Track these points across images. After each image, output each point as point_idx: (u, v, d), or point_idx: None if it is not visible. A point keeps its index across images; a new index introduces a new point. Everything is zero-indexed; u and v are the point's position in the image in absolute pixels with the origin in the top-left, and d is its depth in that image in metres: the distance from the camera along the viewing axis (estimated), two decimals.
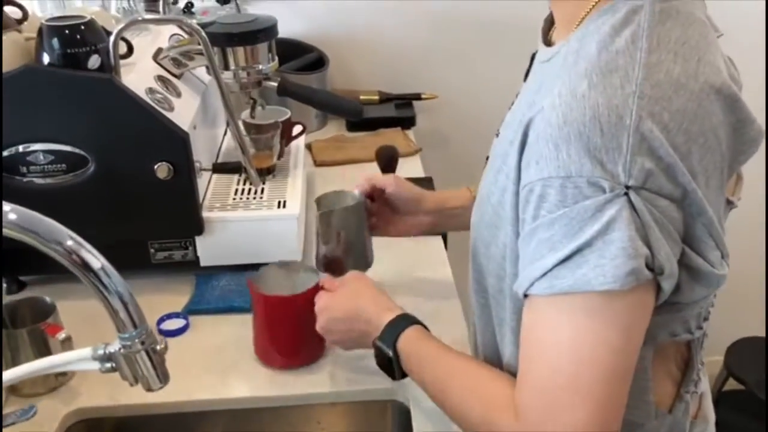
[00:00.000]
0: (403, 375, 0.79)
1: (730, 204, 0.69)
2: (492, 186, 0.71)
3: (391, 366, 0.79)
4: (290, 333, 0.94)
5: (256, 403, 0.93)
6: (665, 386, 0.75)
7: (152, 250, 1.11)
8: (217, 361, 0.98)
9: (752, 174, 0.78)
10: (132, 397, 0.92)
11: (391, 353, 0.78)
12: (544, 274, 0.60)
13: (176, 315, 1.05)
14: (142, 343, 0.60)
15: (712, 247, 0.63)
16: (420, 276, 1.15)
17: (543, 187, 0.60)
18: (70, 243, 0.58)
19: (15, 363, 0.88)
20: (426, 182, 1.46)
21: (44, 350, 0.90)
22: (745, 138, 0.64)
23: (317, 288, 0.93)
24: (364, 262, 1.00)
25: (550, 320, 0.62)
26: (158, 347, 0.62)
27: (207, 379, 0.95)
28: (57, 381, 0.92)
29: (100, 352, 0.62)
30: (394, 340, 0.78)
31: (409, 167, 1.48)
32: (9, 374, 0.65)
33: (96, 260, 0.59)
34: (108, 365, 0.63)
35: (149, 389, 0.63)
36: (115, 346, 0.62)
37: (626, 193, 0.57)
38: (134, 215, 1.08)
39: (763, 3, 1.79)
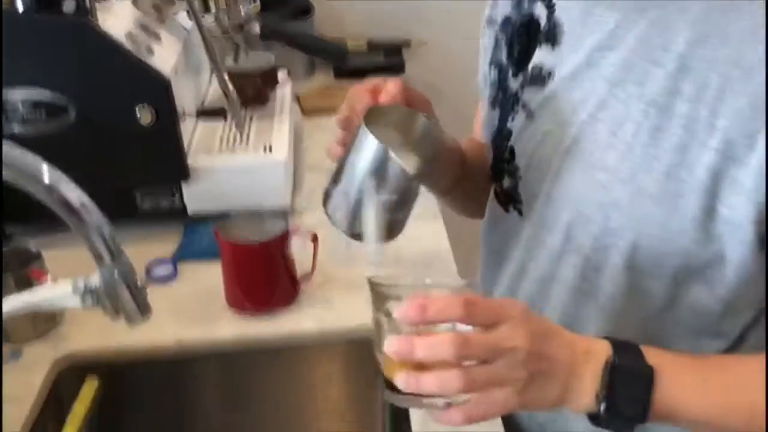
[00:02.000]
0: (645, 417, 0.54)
1: None
2: (649, 149, 0.59)
3: (643, 394, 0.53)
4: (261, 281, 0.93)
5: (246, 345, 0.93)
6: None
7: (139, 199, 1.11)
8: (207, 306, 0.98)
9: None
10: (122, 341, 0.92)
11: (650, 369, 0.54)
12: None
13: (165, 262, 1.05)
14: (122, 275, 0.60)
15: None
16: None
17: None
18: (47, 177, 0.57)
19: None
20: None
21: None
22: None
23: (287, 234, 0.92)
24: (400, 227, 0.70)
25: None
26: (138, 281, 0.61)
27: (197, 324, 0.95)
28: (46, 326, 0.91)
29: (81, 286, 0.62)
30: (642, 355, 0.55)
31: None
32: None
33: (74, 193, 0.58)
34: (89, 300, 0.62)
35: (132, 322, 0.63)
36: (95, 280, 0.61)
37: None
38: (118, 162, 1.06)
39: (763, 3, 1.75)
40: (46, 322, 0.91)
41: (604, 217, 0.62)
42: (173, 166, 1.07)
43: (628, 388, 0.53)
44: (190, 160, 1.09)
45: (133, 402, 0.94)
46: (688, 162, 0.57)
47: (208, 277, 1.02)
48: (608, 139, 0.61)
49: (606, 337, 0.56)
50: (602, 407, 0.53)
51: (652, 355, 0.55)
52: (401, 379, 0.51)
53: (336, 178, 0.66)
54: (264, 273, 0.92)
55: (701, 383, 0.56)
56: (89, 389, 0.88)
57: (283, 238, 0.92)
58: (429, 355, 0.50)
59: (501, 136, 0.75)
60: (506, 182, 0.75)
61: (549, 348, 0.53)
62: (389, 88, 0.67)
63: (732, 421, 0.56)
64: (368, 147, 0.62)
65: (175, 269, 1.03)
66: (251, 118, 1.24)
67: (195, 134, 1.18)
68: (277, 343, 0.93)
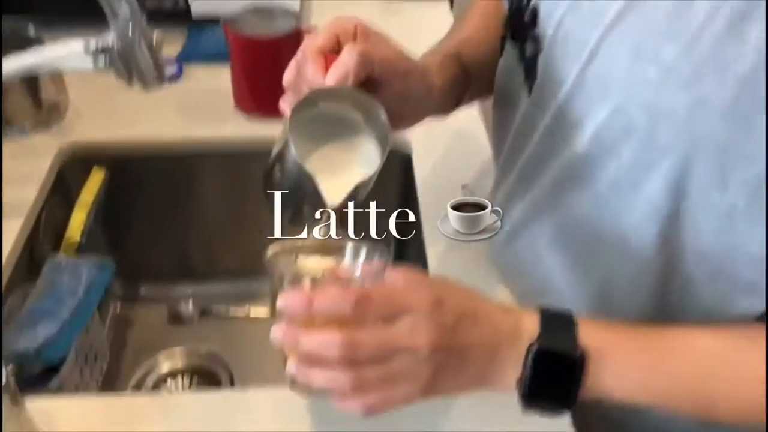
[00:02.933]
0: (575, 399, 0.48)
1: None
2: (726, 46, 0.42)
3: (569, 382, 0.47)
4: (270, 78, 0.90)
5: (251, 145, 0.91)
6: None
7: None
8: (214, 106, 0.95)
9: None
10: (127, 134, 0.90)
11: (578, 354, 0.47)
12: None
13: (169, 62, 1.01)
14: (139, 31, 0.57)
15: None
16: None
17: None
18: None
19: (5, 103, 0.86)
20: None
21: (34, 88, 0.87)
22: None
23: (299, 33, 0.88)
24: None
25: None
26: (154, 41, 0.59)
27: (203, 122, 0.93)
28: (50, 117, 0.89)
29: (93, 45, 0.59)
30: (574, 336, 0.47)
31: None
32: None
33: None
34: (102, 62, 0.60)
35: (146, 87, 0.61)
36: (109, 38, 0.58)
37: None
38: None
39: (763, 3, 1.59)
40: (49, 112, 0.89)
41: (650, 127, 0.46)
42: None
43: (551, 375, 0.47)
44: None
45: (138, 193, 0.94)
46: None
47: (215, 80, 0.99)
48: (669, 23, 0.44)
49: (542, 310, 0.49)
50: (523, 393, 0.47)
51: (590, 335, 0.47)
52: (291, 368, 0.45)
53: (270, 168, 0.56)
54: (273, 70, 0.89)
55: (643, 369, 0.49)
56: (96, 179, 0.87)
57: (295, 36, 0.89)
58: (314, 352, 0.44)
59: None
60: (529, 48, 0.57)
61: (464, 337, 0.46)
62: (342, 59, 0.50)
63: (674, 406, 0.50)
64: (293, 165, 0.50)
65: (180, 69, 1.00)
66: None
67: None
68: None
